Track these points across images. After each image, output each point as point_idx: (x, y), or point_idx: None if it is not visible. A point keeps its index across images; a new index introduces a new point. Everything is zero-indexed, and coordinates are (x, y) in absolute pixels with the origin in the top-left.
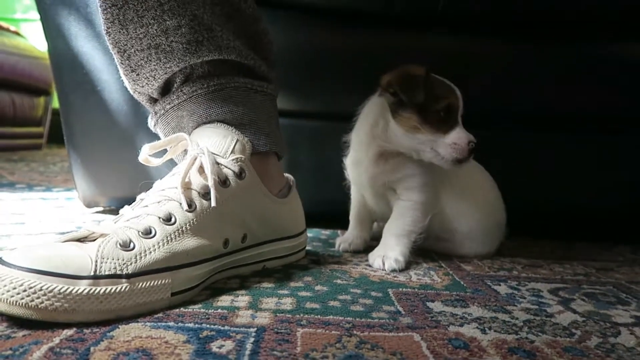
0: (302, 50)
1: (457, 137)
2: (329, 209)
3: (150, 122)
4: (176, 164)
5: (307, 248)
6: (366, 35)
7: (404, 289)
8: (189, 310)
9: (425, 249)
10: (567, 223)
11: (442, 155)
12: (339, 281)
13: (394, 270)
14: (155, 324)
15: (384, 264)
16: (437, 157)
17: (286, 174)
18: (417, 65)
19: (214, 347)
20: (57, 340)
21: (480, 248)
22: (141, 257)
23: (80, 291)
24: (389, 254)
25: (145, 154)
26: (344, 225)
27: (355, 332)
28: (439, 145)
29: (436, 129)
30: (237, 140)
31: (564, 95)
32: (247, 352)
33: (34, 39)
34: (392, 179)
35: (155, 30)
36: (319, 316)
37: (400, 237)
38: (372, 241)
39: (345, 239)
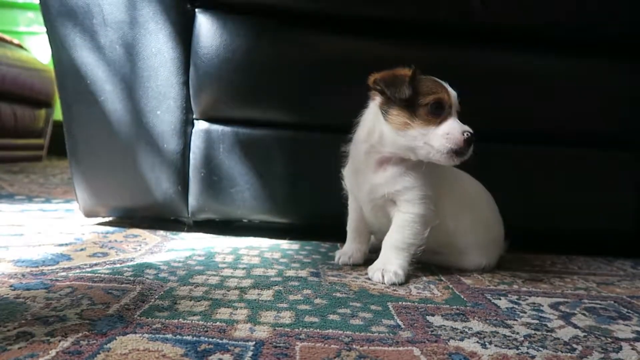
0: (301, 63)
1: (450, 127)
2: (329, 222)
3: None
4: None
5: (307, 261)
6: (367, 47)
7: (403, 303)
8: (188, 322)
9: (424, 262)
10: (567, 238)
11: (437, 147)
12: (338, 294)
13: (393, 284)
14: (152, 336)
15: (383, 277)
16: (432, 152)
17: None
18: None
19: None
20: (53, 352)
21: (478, 261)
22: None
23: None
24: (388, 268)
25: None
26: (343, 238)
27: (354, 346)
28: (432, 138)
29: (427, 123)
30: None
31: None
32: None
33: (36, 51)
34: (391, 191)
35: None
36: (318, 330)
37: (400, 250)
38: (371, 254)
39: (344, 252)
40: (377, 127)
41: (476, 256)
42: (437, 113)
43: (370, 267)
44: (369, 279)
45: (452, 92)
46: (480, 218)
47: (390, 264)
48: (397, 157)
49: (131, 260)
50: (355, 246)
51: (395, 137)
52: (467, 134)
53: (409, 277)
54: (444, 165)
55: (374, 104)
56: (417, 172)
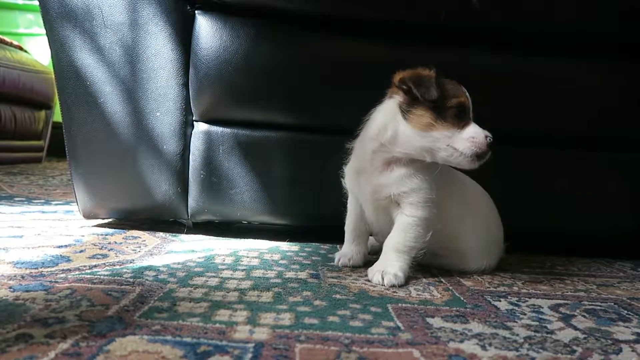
0: (301, 64)
1: (474, 132)
2: (329, 224)
3: None
4: None
5: (306, 262)
6: (367, 49)
7: (403, 305)
8: (187, 323)
9: (425, 265)
10: (567, 239)
11: (461, 150)
12: (338, 296)
13: (393, 286)
14: (152, 338)
15: (383, 279)
16: (454, 154)
17: None
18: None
19: None
20: (52, 354)
21: (479, 263)
22: None
23: None
24: (388, 270)
25: None
26: (343, 240)
27: (354, 348)
28: (456, 140)
29: (452, 125)
30: None
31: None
32: None
33: (36, 53)
34: (397, 192)
35: None
36: (317, 331)
37: (401, 252)
38: (370, 255)
39: (344, 254)
40: (391, 126)
41: (477, 258)
42: (460, 116)
43: (370, 269)
44: (369, 280)
45: (469, 97)
46: (482, 221)
47: (390, 266)
48: (408, 158)
49: (131, 262)
50: (355, 248)
51: (414, 137)
52: (489, 139)
53: (408, 279)
54: (451, 169)
55: (393, 102)
56: (425, 175)
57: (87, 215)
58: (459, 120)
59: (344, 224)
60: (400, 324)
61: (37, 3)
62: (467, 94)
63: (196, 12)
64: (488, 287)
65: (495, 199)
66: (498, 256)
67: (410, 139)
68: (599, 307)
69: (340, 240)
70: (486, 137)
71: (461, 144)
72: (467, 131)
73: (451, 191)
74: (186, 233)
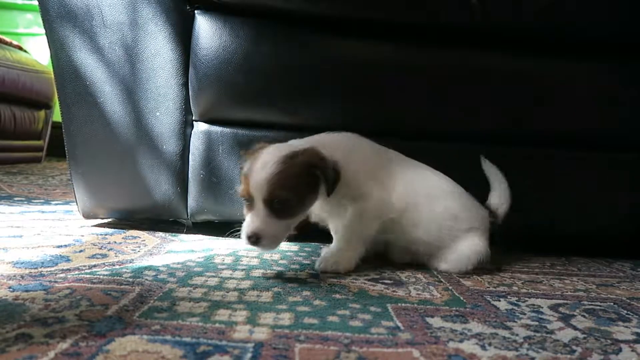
0: (301, 64)
1: (243, 225)
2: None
3: None
4: None
5: (306, 262)
6: (367, 49)
7: (403, 304)
8: (187, 323)
9: (425, 265)
10: (567, 239)
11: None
12: (337, 296)
13: (336, 272)
14: (152, 337)
15: (321, 264)
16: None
17: None
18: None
19: None
20: (52, 354)
21: (453, 262)
22: None
23: None
24: (329, 257)
25: None
26: None
27: (354, 347)
28: None
29: (247, 209)
30: None
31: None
32: None
33: (36, 53)
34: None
35: None
36: (317, 331)
37: (347, 241)
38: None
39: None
40: None
41: (448, 252)
42: (247, 206)
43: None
44: (368, 280)
45: (256, 179)
46: (442, 212)
47: (332, 255)
48: None
49: (130, 262)
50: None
51: None
52: (247, 242)
53: (361, 268)
54: (397, 161)
55: None
56: (357, 174)
57: (87, 215)
58: (247, 208)
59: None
60: (399, 324)
61: (37, 3)
62: (257, 178)
63: (196, 12)
64: (488, 287)
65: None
66: (479, 252)
67: None
68: (598, 307)
69: None
70: (247, 236)
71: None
72: (245, 220)
73: (394, 182)
74: (186, 233)
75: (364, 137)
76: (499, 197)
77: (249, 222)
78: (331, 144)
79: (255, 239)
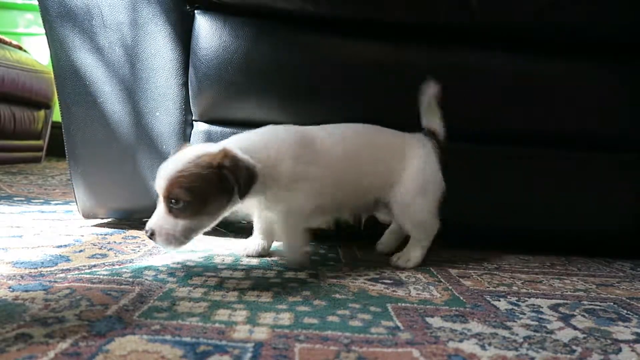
0: (301, 64)
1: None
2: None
3: None
4: None
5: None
6: (367, 49)
7: (403, 304)
8: (187, 323)
9: (425, 266)
10: (567, 239)
11: None
12: (337, 295)
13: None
14: (151, 337)
15: (245, 249)
16: None
17: None
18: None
19: None
20: (51, 354)
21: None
22: None
23: None
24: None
25: None
26: (341, 239)
27: (353, 347)
28: None
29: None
30: None
31: (564, 113)
32: None
33: (35, 53)
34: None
35: None
36: (317, 331)
37: (286, 236)
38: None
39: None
40: None
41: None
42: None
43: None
44: (367, 279)
45: (159, 176)
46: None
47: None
48: None
49: (130, 262)
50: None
51: None
52: (146, 232)
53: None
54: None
55: None
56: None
57: (87, 215)
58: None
59: (342, 225)
60: (399, 324)
61: (37, 3)
62: (161, 174)
63: (196, 11)
64: (487, 287)
65: (495, 199)
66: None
67: None
68: (598, 307)
69: (339, 240)
70: (145, 230)
71: None
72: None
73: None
74: None
75: (296, 128)
76: (438, 121)
77: (152, 217)
78: (259, 142)
79: (149, 234)
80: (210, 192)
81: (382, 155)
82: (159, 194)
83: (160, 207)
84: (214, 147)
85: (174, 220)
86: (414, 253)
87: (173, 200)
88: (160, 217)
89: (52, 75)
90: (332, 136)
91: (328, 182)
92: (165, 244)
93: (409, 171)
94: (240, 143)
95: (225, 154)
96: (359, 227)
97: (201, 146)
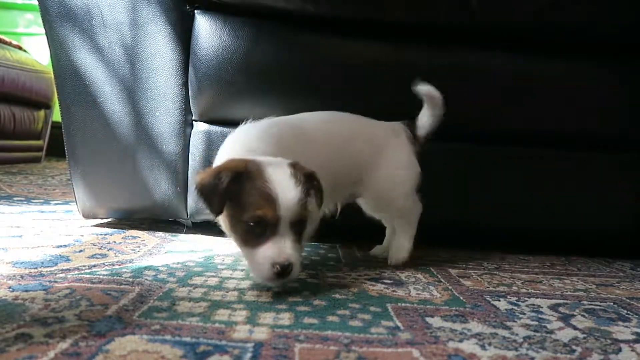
0: (300, 64)
1: (262, 256)
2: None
3: None
4: None
5: (305, 262)
6: (367, 49)
7: (403, 304)
8: (186, 323)
9: (425, 266)
10: (567, 238)
11: (255, 274)
12: (337, 295)
13: None
14: (151, 337)
15: None
16: (253, 272)
17: None
18: (241, 159)
19: None
20: (51, 354)
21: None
22: None
23: None
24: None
25: None
26: (341, 239)
27: (353, 347)
28: (251, 259)
29: (244, 241)
30: None
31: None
32: None
33: (35, 53)
34: None
35: None
36: (317, 331)
37: None
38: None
39: None
40: None
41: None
42: (259, 232)
43: None
44: (368, 279)
45: (287, 201)
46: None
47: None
48: None
49: (130, 262)
50: None
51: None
52: (278, 268)
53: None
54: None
55: None
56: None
57: (87, 215)
58: (256, 235)
59: (342, 224)
60: (399, 324)
61: (37, 3)
62: (283, 200)
63: (195, 11)
64: (487, 287)
65: (495, 199)
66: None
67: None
68: (598, 307)
69: (339, 240)
70: (274, 264)
71: (252, 265)
72: (262, 250)
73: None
74: (185, 233)
75: (284, 120)
76: (427, 118)
77: (277, 248)
78: (262, 139)
79: (291, 268)
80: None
81: (358, 143)
82: (284, 220)
83: (285, 235)
84: (285, 160)
85: (298, 247)
86: (403, 242)
87: (299, 223)
88: (292, 247)
89: (52, 75)
90: (315, 125)
91: (314, 168)
92: (296, 277)
93: (383, 159)
94: (246, 144)
95: (304, 166)
96: (336, 216)
97: (278, 160)
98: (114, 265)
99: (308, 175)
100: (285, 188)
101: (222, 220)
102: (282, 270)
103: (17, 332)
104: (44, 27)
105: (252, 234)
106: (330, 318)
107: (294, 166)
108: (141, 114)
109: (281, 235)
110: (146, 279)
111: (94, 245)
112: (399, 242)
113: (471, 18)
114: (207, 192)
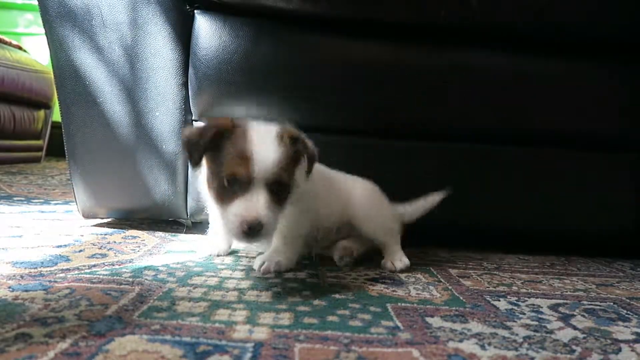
0: (300, 64)
1: (232, 213)
2: None
3: None
4: None
5: (305, 262)
6: (366, 49)
7: (402, 304)
8: (186, 323)
9: (425, 266)
10: (567, 238)
11: (228, 227)
12: (337, 295)
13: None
14: (151, 337)
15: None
16: (227, 226)
17: None
18: (230, 118)
19: None
20: (51, 354)
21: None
22: None
23: None
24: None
25: None
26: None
27: (353, 347)
28: (225, 215)
29: (219, 198)
30: None
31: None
32: None
33: (35, 53)
34: None
35: None
36: (317, 331)
37: (286, 243)
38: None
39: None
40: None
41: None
42: (234, 188)
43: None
44: (366, 279)
45: (262, 161)
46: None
47: (275, 255)
48: None
49: (130, 262)
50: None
51: (205, 190)
52: (245, 226)
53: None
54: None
55: None
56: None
57: (87, 215)
58: (230, 192)
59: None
60: (399, 324)
61: (36, 3)
62: (258, 158)
63: (195, 11)
64: (487, 287)
65: (495, 199)
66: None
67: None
68: (598, 307)
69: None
70: (242, 221)
71: (226, 220)
72: (234, 205)
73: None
74: (185, 233)
75: None
76: (415, 208)
77: (246, 206)
78: None
79: (260, 227)
80: (293, 173)
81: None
82: (259, 180)
83: (259, 195)
84: (244, 119)
85: (274, 209)
86: (400, 255)
87: (276, 185)
88: (265, 206)
89: (52, 75)
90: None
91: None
92: (268, 238)
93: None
94: None
95: (294, 128)
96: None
97: (262, 123)
98: (113, 265)
99: (295, 139)
100: (262, 148)
101: (203, 181)
102: (251, 229)
103: (17, 332)
104: (44, 27)
105: (228, 190)
106: (330, 318)
107: (283, 129)
108: (141, 114)
109: (254, 194)
110: (146, 279)
111: (93, 245)
112: (398, 255)
113: (471, 18)
114: (190, 145)
